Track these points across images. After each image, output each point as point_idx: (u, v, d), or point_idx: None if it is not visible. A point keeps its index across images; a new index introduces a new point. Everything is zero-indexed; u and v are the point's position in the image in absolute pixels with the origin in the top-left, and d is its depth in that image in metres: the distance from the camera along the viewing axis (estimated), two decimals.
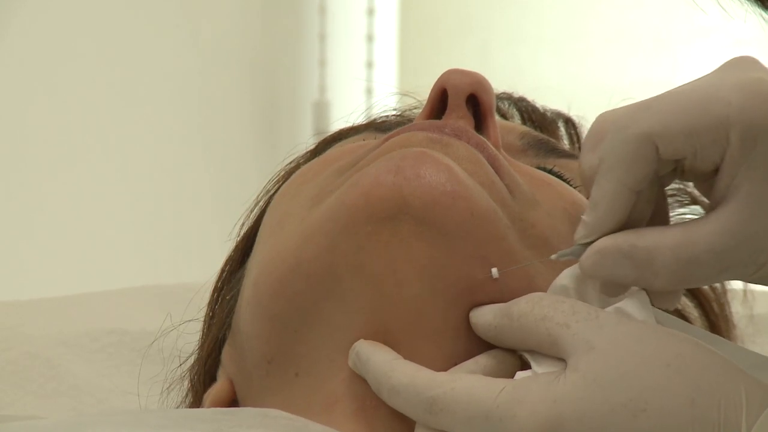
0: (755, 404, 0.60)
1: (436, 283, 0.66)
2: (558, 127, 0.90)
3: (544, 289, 0.66)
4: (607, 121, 0.65)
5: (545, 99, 0.93)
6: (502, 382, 0.62)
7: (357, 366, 0.66)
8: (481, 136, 0.71)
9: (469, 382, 0.63)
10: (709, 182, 0.64)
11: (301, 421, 0.66)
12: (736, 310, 0.94)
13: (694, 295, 0.92)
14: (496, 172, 0.70)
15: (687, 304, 0.91)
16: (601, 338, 0.62)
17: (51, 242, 1.83)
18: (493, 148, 0.71)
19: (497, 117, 0.76)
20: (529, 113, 0.89)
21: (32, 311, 1.09)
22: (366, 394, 0.67)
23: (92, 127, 1.90)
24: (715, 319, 0.92)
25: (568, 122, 0.90)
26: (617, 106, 0.65)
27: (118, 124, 1.97)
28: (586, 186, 0.66)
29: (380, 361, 0.65)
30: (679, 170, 0.64)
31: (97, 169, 1.93)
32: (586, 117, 0.89)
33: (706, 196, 0.66)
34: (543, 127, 0.88)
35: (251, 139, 2.36)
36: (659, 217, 0.66)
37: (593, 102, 0.86)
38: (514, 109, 0.90)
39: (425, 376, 0.64)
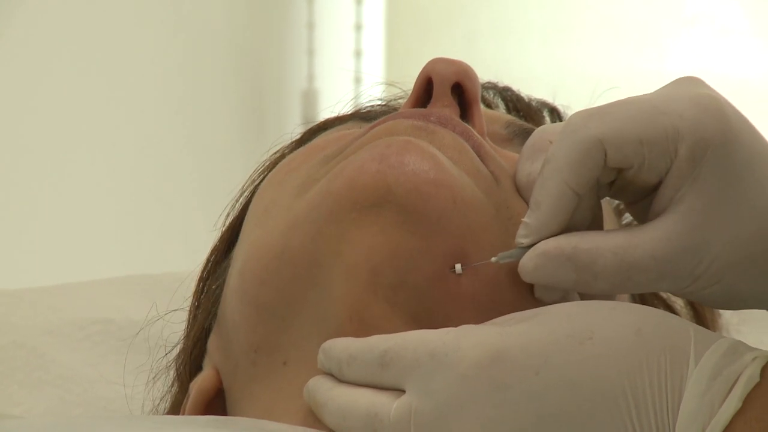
0: (702, 339, 0.60)
1: (406, 273, 0.66)
2: (543, 117, 0.90)
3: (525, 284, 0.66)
4: (547, 132, 0.66)
5: (531, 88, 0.92)
6: (451, 329, 0.62)
7: (322, 361, 0.65)
8: (466, 125, 0.71)
9: (420, 332, 0.63)
10: (641, 204, 0.65)
11: (299, 430, 0.65)
12: None
13: None
14: (482, 160, 0.70)
15: None
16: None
17: (37, 232, 1.83)
18: (479, 136, 0.71)
19: (482, 106, 0.76)
20: (514, 103, 0.89)
21: (18, 301, 1.08)
22: None
23: (77, 116, 1.90)
24: (700, 307, 0.92)
25: (554, 112, 0.90)
26: (602, 97, 0.66)
27: (103, 115, 1.96)
28: (522, 194, 0.68)
29: (342, 341, 0.65)
30: (618, 183, 0.65)
31: (83, 158, 1.92)
32: (571, 107, 0.89)
33: (636, 218, 0.67)
34: (528, 117, 0.88)
35: (239, 129, 2.36)
36: (595, 227, 0.66)
37: (579, 92, 0.86)
38: (499, 99, 0.90)
39: (380, 336, 0.64)
